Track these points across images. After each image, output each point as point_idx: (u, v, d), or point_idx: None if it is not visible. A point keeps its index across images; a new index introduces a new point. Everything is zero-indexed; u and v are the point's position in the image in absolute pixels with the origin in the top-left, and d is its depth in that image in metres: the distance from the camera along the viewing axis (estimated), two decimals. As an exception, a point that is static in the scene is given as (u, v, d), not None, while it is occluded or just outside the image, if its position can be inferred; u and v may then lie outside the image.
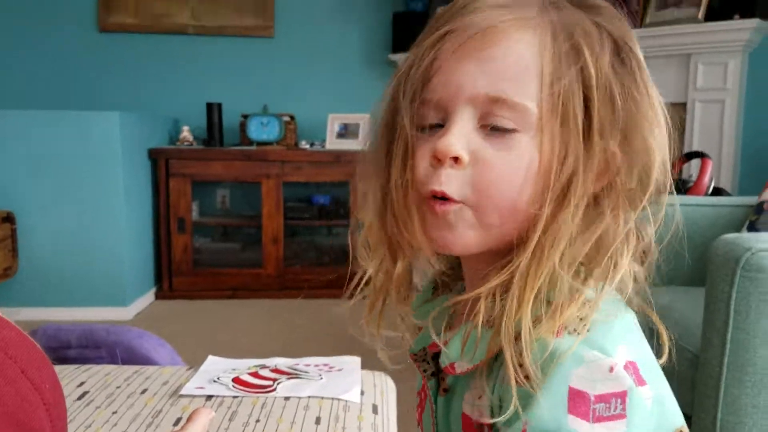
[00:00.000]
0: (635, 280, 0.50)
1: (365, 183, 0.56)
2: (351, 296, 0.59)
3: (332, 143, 3.46)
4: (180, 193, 3.32)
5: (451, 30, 0.48)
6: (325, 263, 3.56)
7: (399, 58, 3.52)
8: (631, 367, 0.44)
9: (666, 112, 0.50)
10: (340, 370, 1.07)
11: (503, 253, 0.48)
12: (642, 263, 0.52)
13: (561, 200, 0.47)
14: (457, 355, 0.49)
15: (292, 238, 3.59)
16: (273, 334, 2.78)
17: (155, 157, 3.30)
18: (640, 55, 0.49)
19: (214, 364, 1.11)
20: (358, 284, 0.59)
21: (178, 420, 0.90)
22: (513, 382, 0.43)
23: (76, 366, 1.11)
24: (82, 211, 2.94)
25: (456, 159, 0.47)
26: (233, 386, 0.99)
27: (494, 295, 0.47)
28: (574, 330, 0.44)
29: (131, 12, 3.67)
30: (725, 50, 2.69)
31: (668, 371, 0.48)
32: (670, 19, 2.69)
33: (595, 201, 0.49)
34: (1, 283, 2.85)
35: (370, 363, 1.11)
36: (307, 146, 3.51)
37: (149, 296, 3.29)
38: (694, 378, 1.26)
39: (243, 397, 0.97)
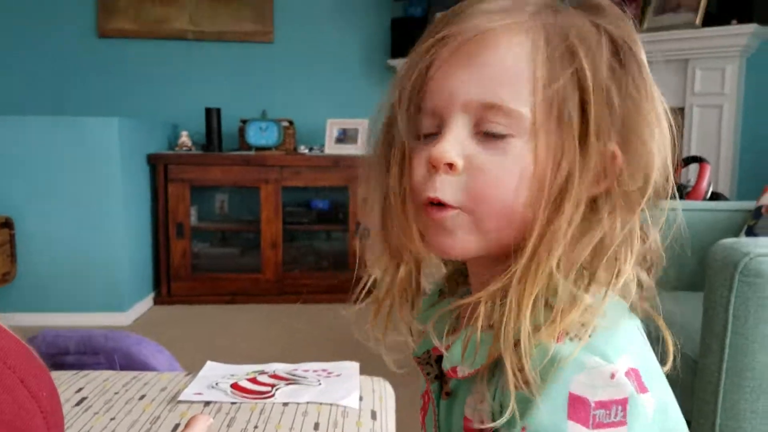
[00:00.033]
0: (640, 285, 0.50)
1: (365, 189, 0.57)
2: (357, 300, 0.59)
3: (331, 148, 3.47)
4: (179, 198, 3.32)
5: (444, 37, 0.48)
6: (324, 268, 3.56)
7: (398, 63, 3.53)
8: (633, 374, 0.43)
9: (669, 114, 0.49)
10: (338, 375, 1.07)
11: (504, 257, 0.48)
12: (648, 269, 0.51)
13: (557, 204, 0.46)
14: (458, 360, 0.49)
15: (290, 242, 3.59)
16: (272, 339, 2.78)
17: (154, 162, 3.30)
18: (642, 56, 0.48)
19: (212, 369, 1.10)
20: (363, 289, 0.59)
21: (176, 426, 0.90)
22: (512, 387, 0.44)
23: (75, 372, 1.10)
24: (80, 216, 2.94)
25: (450, 165, 0.47)
26: (232, 392, 0.99)
27: (494, 300, 0.47)
28: (576, 336, 0.44)
29: (130, 17, 3.67)
30: (723, 55, 2.70)
31: (671, 378, 0.48)
32: (668, 24, 2.70)
33: (596, 204, 0.48)
34: (0, 288, 2.85)
35: (368, 368, 1.11)
36: (306, 151, 3.51)
37: (147, 301, 3.28)
38: (693, 383, 1.26)
39: (241, 403, 0.97)
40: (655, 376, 0.46)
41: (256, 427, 0.90)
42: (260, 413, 0.93)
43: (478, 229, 0.48)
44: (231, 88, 3.73)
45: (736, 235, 1.70)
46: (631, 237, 0.48)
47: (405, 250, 0.54)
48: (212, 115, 3.45)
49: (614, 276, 0.47)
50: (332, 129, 3.50)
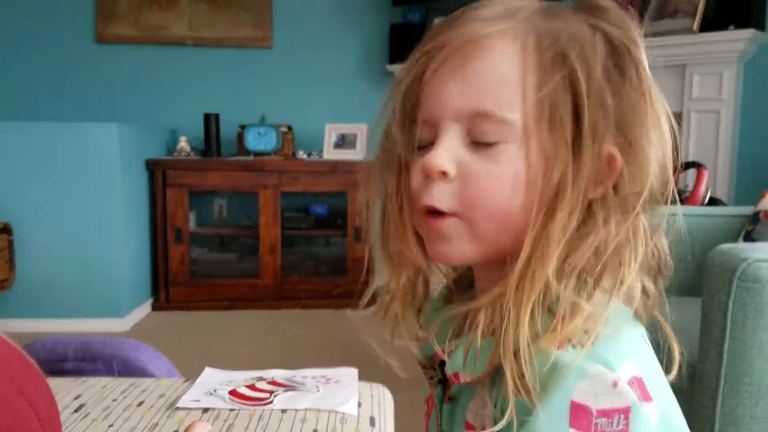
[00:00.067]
0: (645, 293, 0.50)
1: (365, 195, 0.57)
2: (364, 305, 0.60)
3: (329, 153, 3.47)
4: (177, 204, 3.32)
5: (436, 46, 0.49)
6: (323, 273, 3.55)
7: (396, 68, 3.54)
8: (636, 382, 0.43)
9: (672, 118, 0.49)
10: (337, 381, 1.07)
11: (504, 263, 0.48)
12: (655, 276, 0.51)
13: (551, 209, 0.46)
14: (460, 366, 0.50)
15: (289, 248, 3.59)
16: (270, 345, 2.78)
17: (153, 167, 3.30)
18: (641, 58, 0.48)
19: (210, 376, 1.10)
20: (362, 294, 0.59)
21: (175, 433, 0.90)
22: (511, 395, 0.43)
23: (73, 378, 1.10)
24: (79, 222, 2.94)
25: (444, 173, 0.48)
26: (230, 399, 0.99)
27: (494, 306, 0.47)
28: (579, 343, 0.44)
29: (129, 23, 3.68)
30: (720, 60, 2.71)
31: (674, 385, 0.48)
32: (666, 29, 2.71)
33: (592, 208, 0.48)
34: (-2, 294, 2.85)
35: (367, 374, 1.11)
36: (305, 156, 3.52)
37: (146, 307, 3.28)
38: (691, 388, 1.26)
39: (240, 409, 0.97)
40: (660, 385, 0.45)
41: (254, 433, 0.89)
42: (259, 420, 0.93)
43: (474, 235, 0.49)
44: (230, 94, 3.74)
45: (734, 240, 1.71)
46: (634, 242, 0.48)
47: (403, 258, 0.54)
48: (211, 121, 3.45)
49: (618, 282, 0.47)
50: (331, 134, 3.50)
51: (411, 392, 1.22)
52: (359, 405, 1.00)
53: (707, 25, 2.69)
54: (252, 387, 1.03)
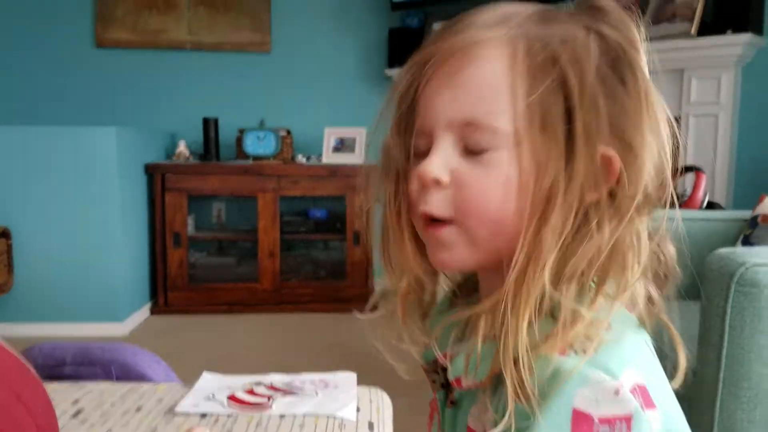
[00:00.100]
0: (650, 300, 0.49)
1: (364, 200, 0.58)
2: (370, 309, 0.60)
3: (328, 157, 3.48)
4: (176, 208, 3.32)
5: (431, 54, 0.49)
6: (322, 277, 3.55)
7: (395, 73, 3.54)
8: (639, 390, 0.43)
9: (674, 122, 0.48)
10: (335, 386, 1.07)
11: (504, 269, 0.48)
12: (661, 283, 0.50)
13: (544, 214, 0.46)
14: (461, 371, 0.50)
15: (288, 252, 3.59)
16: (269, 349, 2.77)
17: (151, 171, 3.31)
18: (638, 59, 0.47)
19: (209, 381, 1.10)
20: (363, 297, 0.60)
21: (173, 438, 0.90)
22: (510, 402, 0.43)
23: (71, 383, 1.10)
24: (78, 226, 2.94)
25: (437, 181, 0.48)
26: (228, 404, 0.99)
27: (494, 312, 0.47)
28: (581, 349, 0.43)
29: (128, 28, 3.69)
30: (718, 65, 2.71)
31: (675, 390, 0.47)
32: (664, 33, 2.72)
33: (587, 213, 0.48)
34: (-4, 298, 2.84)
35: (366, 379, 1.11)
36: (304, 160, 3.52)
37: (144, 311, 3.27)
38: (690, 393, 1.26)
39: (238, 414, 0.96)
40: (663, 392, 0.45)
41: (252, 438, 0.89)
42: (257, 425, 0.93)
43: (471, 241, 0.49)
44: (229, 98, 3.74)
45: (733, 244, 1.71)
46: (637, 246, 0.47)
47: (402, 263, 0.55)
48: (210, 125, 3.46)
49: (620, 287, 0.46)
50: (330, 138, 3.50)
51: (410, 397, 1.22)
52: (358, 410, 1.00)
53: (705, 30, 2.69)
54: (250, 392, 1.03)
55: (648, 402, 0.43)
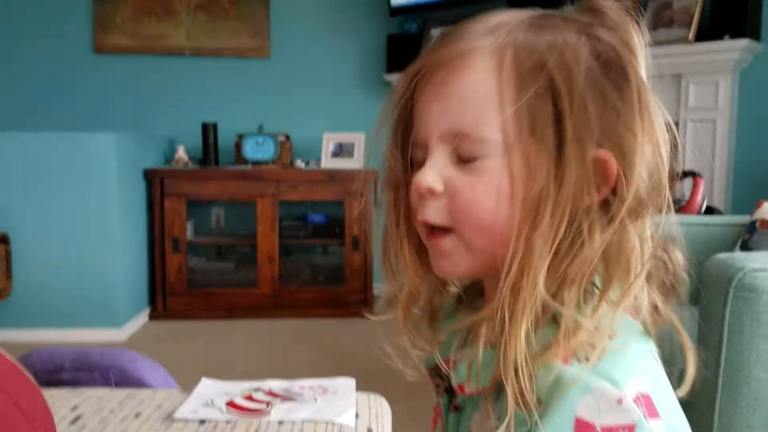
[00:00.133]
0: (656, 309, 0.49)
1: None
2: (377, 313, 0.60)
3: (327, 162, 3.48)
4: (175, 213, 3.32)
5: (424, 65, 0.50)
6: (321, 282, 3.55)
7: (394, 78, 3.55)
8: (643, 399, 0.42)
9: (671, 123, 0.48)
10: (335, 392, 1.07)
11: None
12: (668, 292, 0.50)
13: (534, 219, 0.46)
14: (464, 377, 0.50)
15: (287, 257, 3.59)
16: (268, 355, 2.77)
17: (150, 177, 3.31)
18: (632, 62, 0.47)
19: (208, 387, 1.10)
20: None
21: (172, 444, 0.90)
22: (510, 409, 0.43)
23: (70, 389, 1.10)
24: (76, 232, 2.93)
25: (431, 191, 0.49)
26: (227, 410, 0.99)
27: (494, 319, 0.46)
28: (585, 357, 0.43)
29: (127, 34, 3.69)
30: (716, 70, 2.72)
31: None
32: (661, 39, 2.73)
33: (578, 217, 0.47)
34: (-5, 304, 2.84)
35: (365, 384, 1.11)
36: (303, 165, 3.52)
37: (143, 317, 3.27)
38: (689, 398, 1.26)
39: (237, 420, 0.96)
40: (668, 401, 0.45)
41: (251, 445, 0.89)
42: (256, 431, 0.93)
43: (468, 249, 0.50)
44: (227, 103, 3.75)
45: (731, 249, 1.71)
46: (641, 251, 0.47)
47: (403, 272, 0.56)
48: (209, 130, 3.46)
49: (623, 294, 0.46)
50: (328, 143, 3.51)
51: (409, 403, 1.22)
52: (357, 416, 1.00)
53: (703, 35, 2.70)
54: (249, 398, 1.02)
55: (652, 411, 0.42)
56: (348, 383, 1.11)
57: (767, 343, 1.14)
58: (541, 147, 0.46)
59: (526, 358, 0.43)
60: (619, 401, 0.41)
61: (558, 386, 0.42)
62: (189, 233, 3.44)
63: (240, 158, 3.51)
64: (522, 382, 0.43)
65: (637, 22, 0.48)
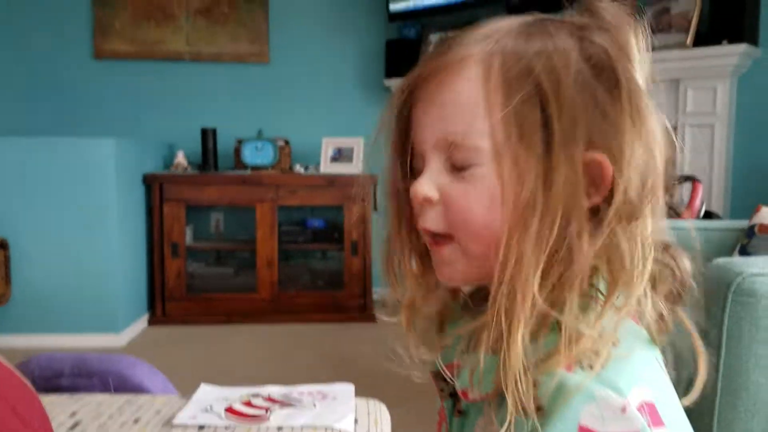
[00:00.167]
0: (661, 317, 0.48)
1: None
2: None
3: (326, 167, 3.48)
4: (174, 218, 3.32)
5: (420, 75, 0.51)
6: (320, 287, 3.55)
7: (392, 83, 3.56)
8: (647, 407, 0.42)
9: (668, 127, 0.47)
10: (333, 398, 1.07)
11: None
12: (674, 300, 0.49)
13: (524, 224, 0.46)
14: (467, 383, 0.50)
15: (286, 261, 3.59)
16: (267, 360, 2.77)
17: (149, 182, 3.31)
18: (624, 64, 0.46)
19: (207, 392, 1.10)
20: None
21: (171, 450, 0.90)
22: (509, 415, 0.43)
23: (69, 395, 1.10)
24: (75, 237, 2.93)
25: (427, 199, 0.50)
26: (226, 415, 0.99)
27: (492, 326, 0.46)
28: (588, 365, 0.43)
29: (127, 39, 3.70)
30: (714, 75, 2.73)
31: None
32: (660, 44, 2.73)
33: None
34: (-6, 309, 2.84)
35: (363, 390, 1.11)
36: (302, 170, 3.53)
37: (142, 322, 3.27)
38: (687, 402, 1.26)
39: (236, 426, 0.96)
40: (673, 409, 0.44)
41: (250, 450, 0.89)
42: (255, 437, 0.93)
43: (466, 255, 0.50)
44: (227, 109, 3.76)
45: (729, 254, 1.71)
46: (642, 254, 0.46)
47: (405, 278, 0.57)
48: (208, 135, 3.46)
49: (626, 299, 0.45)
50: (328, 148, 3.51)
51: (407, 408, 1.22)
52: (356, 421, 1.00)
53: (701, 40, 2.71)
54: (248, 404, 1.02)
55: (656, 420, 0.42)
56: (347, 389, 1.11)
57: (766, 347, 1.14)
58: (529, 152, 0.46)
59: (524, 364, 0.43)
60: (623, 409, 0.41)
61: (561, 394, 0.42)
62: (188, 238, 3.44)
63: (239, 163, 3.51)
64: (521, 389, 0.43)
65: (637, 23, 0.48)
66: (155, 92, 3.76)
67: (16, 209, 2.89)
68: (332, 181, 3.36)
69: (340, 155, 3.50)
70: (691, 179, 2.20)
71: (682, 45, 2.71)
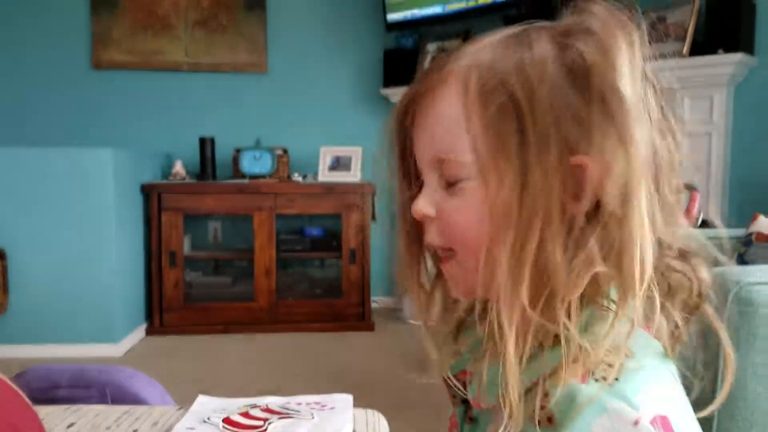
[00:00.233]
0: (677, 327, 0.48)
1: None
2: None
3: (324, 176, 3.49)
4: (172, 227, 3.32)
5: (415, 93, 0.52)
6: (318, 296, 3.55)
7: (390, 92, 3.57)
8: (660, 421, 0.41)
9: (664, 130, 0.47)
10: (332, 408, 1.07)
11: None
12: (692, 310, 0.49)
13: (502, 233, 0.46)
14: (476, 392, 0.50)
15: (284, 270, 3.59)
16: (265, 370, 2.76)
17: (148, 191, 3.31)
18: (600, 68, 0.45)
19: (204, 404, 1.10)
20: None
21: (168, 462, 0.89)
22: (505, 420, 0.43)
23: (66, 407, 1.09)
24: (73, 247, 2.93)
25: (426, 216, 0.52)
26: (224, 427, 0.98)
27: (489, 338, 0.46)
28: (602, 377, 0.42)
29: (125, 49, 3.71)
30: (710, 84, 2.74)
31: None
32: (656, 53, 2.74)
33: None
34: (-9, 319, 2.83)
35: (362, 400, 1.11)
36: (300, 179, 3.53)
37: (140, 332, 3.26)
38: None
39: (234, 437, 0.96)
40: (687, 423, 0.44)
41: (248, 462, 0.89)
42: (253, 448, 0.93)
43: (467, 269, 0.51)
44: (225, 118, 3.76)
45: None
46: (641, 261, 0.44)
47: (412, 287, 0.58)
48: (206, 144, 3.47)
49: (623, 304, 0.44)
50: (326, 157, 3.52)
51: (406, 418, 1.22)
52: (354, 432, 1.00)
53: (697, 49, 2.72)
54: (246, 415, 1.02)
55: None
56: (345, 399, 1.11)
57: (764, 356, 1.14)
58: (507, 164, 0.46)
59: (516, 374, 0.43)
60: (636, 423, 0.40)
61: (573, 405, 0.41)
62: (186, 247, 3.44)
63: (237, 172, 3.51)
64: (513, 399, 0.43)
65: (631, 26, 0.48)
66: (153, 102, 3.76)
67: (13, 219, 2.88)
68: (330, 189, 3.37)
69: (338, 164, 3.51)
70: (689, 188, 2.20)
71: (678, 54, 2.72)
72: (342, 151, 3.52)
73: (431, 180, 0.52)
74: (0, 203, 2.87)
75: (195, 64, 3.74)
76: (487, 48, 0.49)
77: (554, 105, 0.45)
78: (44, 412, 1.01)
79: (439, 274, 0.57)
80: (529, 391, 0.44)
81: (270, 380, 2.60)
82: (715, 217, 2.66)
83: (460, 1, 3.31)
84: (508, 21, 3.03)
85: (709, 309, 0.49)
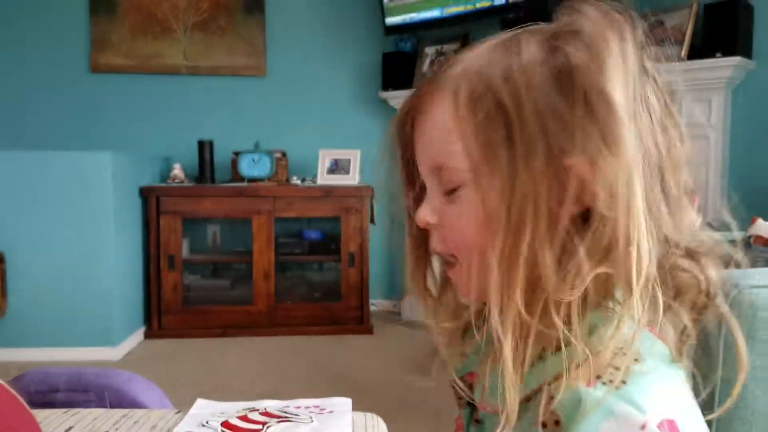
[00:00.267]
0: (685, 330, 0.47)
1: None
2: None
3: (323, 179, 3.49)
4: (170, 231, 3.31)
5: (415, 103, 0.53)
6: (317, 299, 3.55)
7: (388, 96, 3.57)
8: (668, 425, 0.41)
9: (647, 140, 0.46)
10: (331, 412, 1.07)
11: None
12: (700, 311, 0.48)
13: (491, 238, 0.46)
14: (481, 395, 0.50)
15: (283, 273, 3.59)
16: (263, 373, 2.76)
17: (146, 194, 3.31)
18: (585, 70, 0.44)
19: (202, 407, 1.09)
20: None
21: (167, 466, 0.89)
22: (503, 423, 0.44)
23: (64, 410, 1.09)
24: (72, 250, 2.93)
25: (427, 224, 0.53)
26: (222, 430, 0.98)
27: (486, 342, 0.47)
28: (609, 380, 0.42)
29: (123, 53, 3.71)
30: (708, 87, 2.74)
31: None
32: (654, 57, 2.75)
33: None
34: (-11, 323, 2.82)
35: (361, 404, 1.10)
36: (299, 182, 3.53)
37: (138, 335, 3.25)
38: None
39: (232, 441, 0.96)
40: (695, 427, 0.43)
41: (247, 466, 0.89)
42: (251, 452, 0.92)
43: (469, 274, 0.51)
44: (224, 121, 3.76)
45: (725, 266, 1.71)
46: (638, 258, 0.43)
47: (419, 293, 0.59)
48: (205, 148, 3.47)
49: (623, 308, 0.44)
50: (324, 160, 3.52)
51: (405, 422, 1.22)
52: (353, 435, 0.99)
53: (695, 53, 2.73)
54: (244, 418, 1.02)
55: None
56: (344, 403, 1.11)
57: (763, 359, 1.14)
58: (496, 169, 0.46)
59: (512, 378, 0.44)
60: (643, 426, 0.40)
61: (580, 409, 0.41)
62: (185, 251, 3.44)
63: (236, 175, 3.51)
64: (509, 401, 0.43)
65: (627, 27, 0.47)
66: (152, 105, 3.77)
67: (12, 223, 2.88)
68: (329, 192, 3.37)
69: (336, 167, 3.51)
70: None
71: (676, 58, 2.73)
72: (341, 154, 3.52)
73: (432, 187, 0.53)
74: (-2, 206, 2.87)
75: (194, 67, 3.74)
76: (479, 54, 0.50)
77: (541, 110, 0.45)
78: (42, 415, 1.00)
79: (448, 278, 0.57)
80: (533, 395, 0.44)
81: (269, 384, 2.59)
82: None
83: (458, 4, 3.32)
84: (506, 24, 3.03)
85: (723, 307, 0.49)
